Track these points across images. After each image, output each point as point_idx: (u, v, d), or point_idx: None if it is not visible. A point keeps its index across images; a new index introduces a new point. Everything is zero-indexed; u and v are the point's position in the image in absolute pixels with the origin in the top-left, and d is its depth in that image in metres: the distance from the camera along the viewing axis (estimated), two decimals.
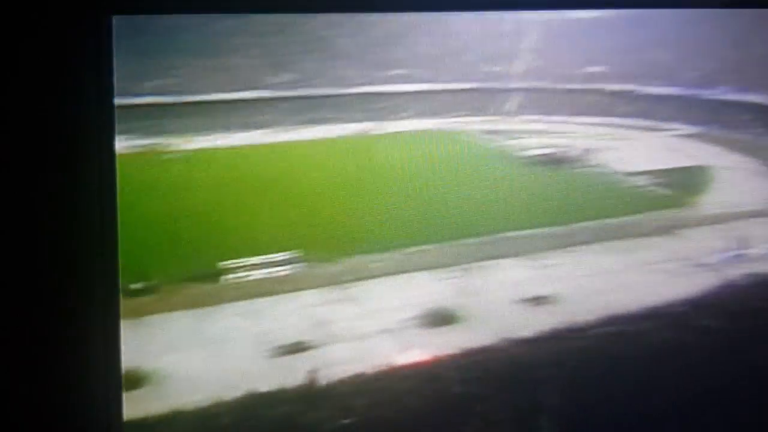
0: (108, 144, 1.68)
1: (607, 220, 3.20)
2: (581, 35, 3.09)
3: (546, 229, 3.14)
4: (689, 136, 3.25)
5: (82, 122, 1.61)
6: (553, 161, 3.29)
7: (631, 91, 3.25)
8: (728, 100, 3.17)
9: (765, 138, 3.19)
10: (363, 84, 3.24)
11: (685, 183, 3.27)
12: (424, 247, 3.06)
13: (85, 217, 1.62)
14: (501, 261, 3.08)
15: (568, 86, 3.25)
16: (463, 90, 3.26)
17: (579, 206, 3.15)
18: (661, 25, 2.93)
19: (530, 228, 3.13)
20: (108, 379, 1.67)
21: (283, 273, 2.90)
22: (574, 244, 3.13)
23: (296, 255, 2.93)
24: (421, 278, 2.99)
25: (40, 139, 1.58)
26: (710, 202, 3.22)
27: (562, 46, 3.13)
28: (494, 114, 3.31)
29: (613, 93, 3.27)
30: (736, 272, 2.99)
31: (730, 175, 3.22)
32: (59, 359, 1.62)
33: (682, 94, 3.19)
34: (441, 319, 2.83)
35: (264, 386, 2.44)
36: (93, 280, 1.65)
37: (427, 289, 2.96)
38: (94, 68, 1.64)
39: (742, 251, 3.05)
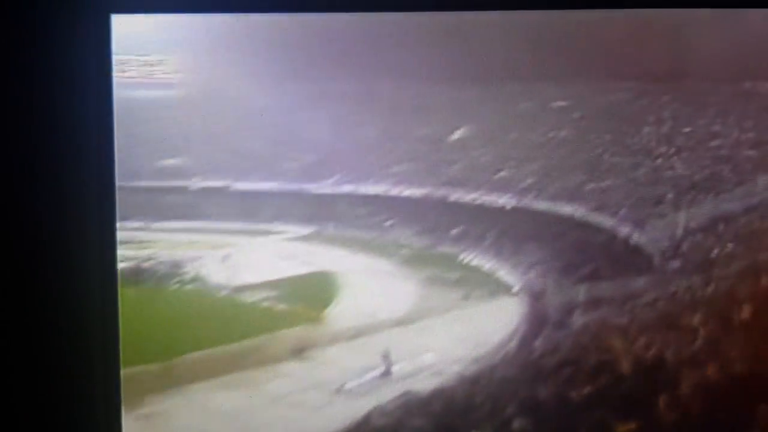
0: (107, 140, 1.94)
1: (219, 349, 2.47)
2: (148, 121, 2.42)
3: (141, 367, 2.32)
4: (302, 238, 2.69)
5: (81, 121, 1.82)
6: (137, 277, 2.45)
7: (225, 188, 2.61)
8: (339, 193, 2.66)
9: (390, 234, 2.69)
10: None
11: (308, 294, 2.69)
12: None
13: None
14: None
15: (141, 184, 2.48)
16: None
17: (177, 334, 2.40)
18: (241, 108, 2.44)
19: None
20: None
21: None
22: (180, 383, 2.38)
23: None
24: None
25: (38, 135, 1.78)
26: (342, 314, 2.63)
27: (127, 136, 2.38)
28: None
29: (201, 191, 2.59)
30: (385, 394, 2.46)
31: (358, 279, 2.68)
32: None
33: (284, 189, 2.66)
34: None
35: None
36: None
37: None
38: (92, 67, 1.84)
39: (388, 368, 2.51)
